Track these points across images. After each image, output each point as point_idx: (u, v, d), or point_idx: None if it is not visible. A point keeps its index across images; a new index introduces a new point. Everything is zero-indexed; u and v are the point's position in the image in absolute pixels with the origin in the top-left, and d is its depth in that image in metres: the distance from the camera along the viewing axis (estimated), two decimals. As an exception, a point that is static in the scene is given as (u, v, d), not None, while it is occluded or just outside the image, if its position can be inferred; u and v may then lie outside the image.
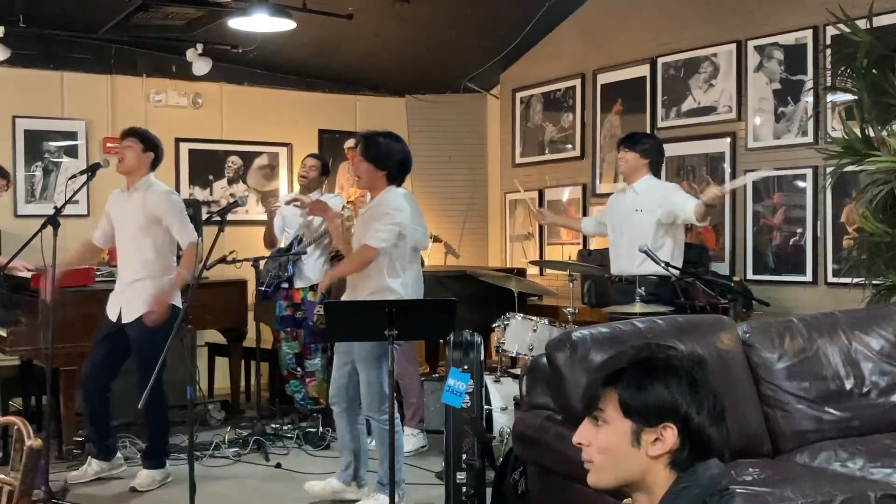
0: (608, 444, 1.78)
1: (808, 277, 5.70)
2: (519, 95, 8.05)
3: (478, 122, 8.55)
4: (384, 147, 4.43)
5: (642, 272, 4.92)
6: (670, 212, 5.00)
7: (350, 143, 7.93)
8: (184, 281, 4.82)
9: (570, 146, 7.53)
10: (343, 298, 4.62)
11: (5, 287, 5.87)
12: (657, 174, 5.24)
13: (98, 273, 5.77)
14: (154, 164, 5.00)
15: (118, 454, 5.13)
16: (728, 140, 6.18)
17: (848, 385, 3.81)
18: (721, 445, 1.76)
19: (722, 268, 6.10)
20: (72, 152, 6.97)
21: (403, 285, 4.46)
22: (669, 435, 1.73)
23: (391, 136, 4.50)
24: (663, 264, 4.63)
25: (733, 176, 6.12)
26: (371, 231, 4.35)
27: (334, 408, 4.62)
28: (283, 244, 6.21)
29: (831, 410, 3.74)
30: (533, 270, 7.38)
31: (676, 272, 4.72)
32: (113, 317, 4.90)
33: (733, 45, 6.16)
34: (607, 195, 7.05)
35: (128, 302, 4.87)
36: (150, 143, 4.97)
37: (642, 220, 5.06)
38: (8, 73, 6.67)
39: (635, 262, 4.96)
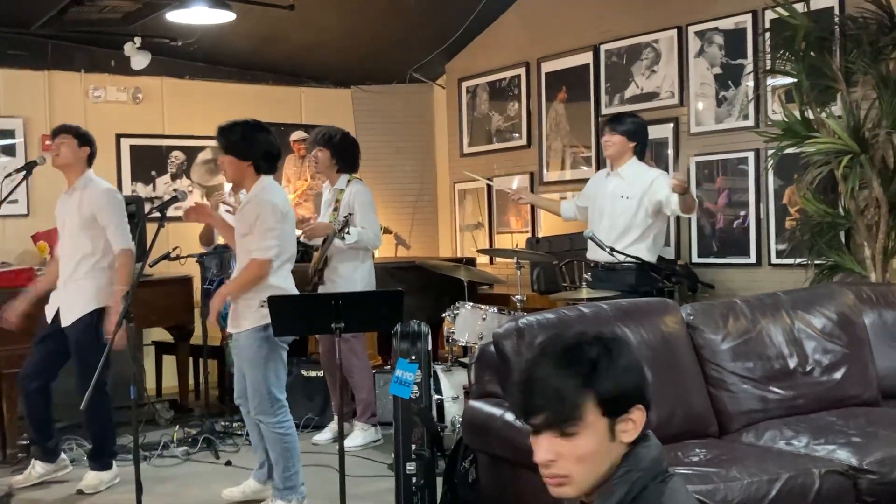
0: (589, 450, 1.67)
1: (753, 259, 5.77)
2: (465, 85, 8.04)
3: (425, 113, 8.52)
4: (239, 135, 4.25)
5: (610, 259, 4.84)
6: (657, 202, 4.90)
7: (297, 135, 7.87)
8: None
9: (517, 135, 7.53)
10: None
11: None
12: (641, 157, 5.13)
13: (38, 273, 5.64)
14: (90, 159, 4.91)
15: (62, 455, 5.03)
16: (671, 125, 6.22)
17: (791, 364, 3.86)
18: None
19: (667, 252, 6.15)
20: (9, 151, 6.81)
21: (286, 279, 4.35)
22: (639, 415, 1.69)
23: (250, 125, 4.32)
24: (608, 249, 4.65)
25: (676, 161, 6.18)
26: (256, 241, 4.20)
27: (241, 409, 4.50)
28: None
29: (776, 389, 3.79)
30: (483, 259, 7.38)
31: (621, 257, 4.73)
32: (49, 317, 4.80)
33: (674, 31, 6.20)
34: (555, 182, 7.12)
35: (65, 302, 4.77)
36: (83, 138, 4.88)
37: (626, 207, 4.95)
38: (-59, 71, 6.51)
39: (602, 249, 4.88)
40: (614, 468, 1.69)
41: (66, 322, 4.74)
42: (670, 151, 6.23)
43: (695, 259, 6.05)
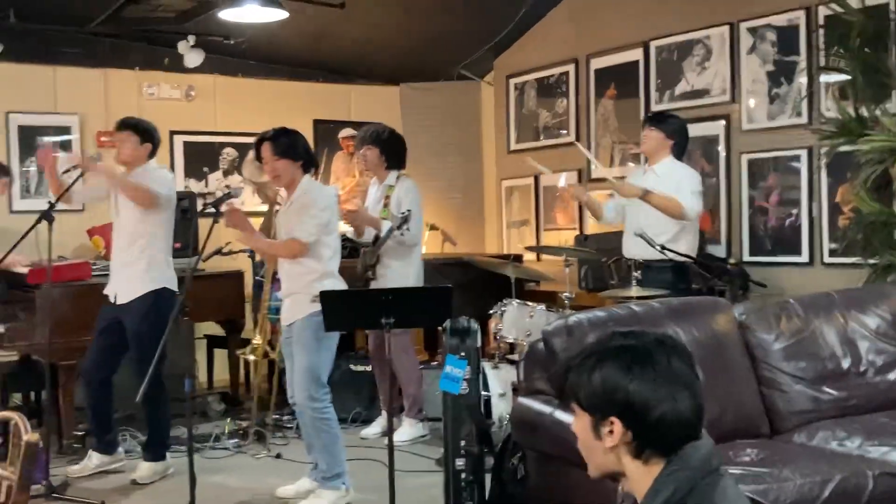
0: (580, 436, 1.81)
1: (805, 258, 5.70)
2: (513, 82, 8.04)
3: (472, 110, 8.53)
4: (288, 139, 4.49)
5: (655, 256, 4.85)
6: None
7: (345, 133, 7.93)
8: (110, 170, 5.01)
9: (564, 131, 7.52)
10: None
11: (2, 283, 5.87)
12: (680, 157, 5.15)
13: (94, 267, 5.76)
14: (152, 154, 5.02)
15: (119, 448, 5.13)
16: (723, 122, 6.17)
17: (845, 364, 3.82)
18: (686, 419, 1.72)
19: (718, 250, 6.11)
20: (66, 147, 6.95)
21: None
22: (616, 427, 1.73)
23: (288, 129, 4.56)
24: (658, 247, 4.63)
25: (728, 159, 6.13)
26: (299, 225, 4.39)
27: (295, 407, 4.56)
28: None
29: (828, 390, 3.76)
30: (530, 256, 7.38)
31: (673, 255, 4.71)
32: (111, 297, 4.93)
33: (726, 28, 6.14)
34: (603, 179, 7.08)
35: (121, 285, 4.88)
36: (146, 134, 4.98)
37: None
38: (0, 69, 6.65)
39: (647, 246, 4.88)
40: (617, 466, 1.76)
41: (122, 300, 4.86)
42: (721, 149, 6.18)
43: (746, 258, 6.00)
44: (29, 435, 2.27)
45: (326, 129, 7.97)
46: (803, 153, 5.72)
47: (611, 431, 1.73)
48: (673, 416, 1.71)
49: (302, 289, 4.39)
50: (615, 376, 1.73)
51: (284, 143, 4.46)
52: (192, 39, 6.99)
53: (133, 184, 4.82)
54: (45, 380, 5.05)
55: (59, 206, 4.87)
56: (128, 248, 4.89)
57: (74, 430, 5.38)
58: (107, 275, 5.15)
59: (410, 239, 5.43)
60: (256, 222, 6.32)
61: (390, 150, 5.66)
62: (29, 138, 6.87)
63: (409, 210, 5.25)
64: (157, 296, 4.84)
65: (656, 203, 4.89)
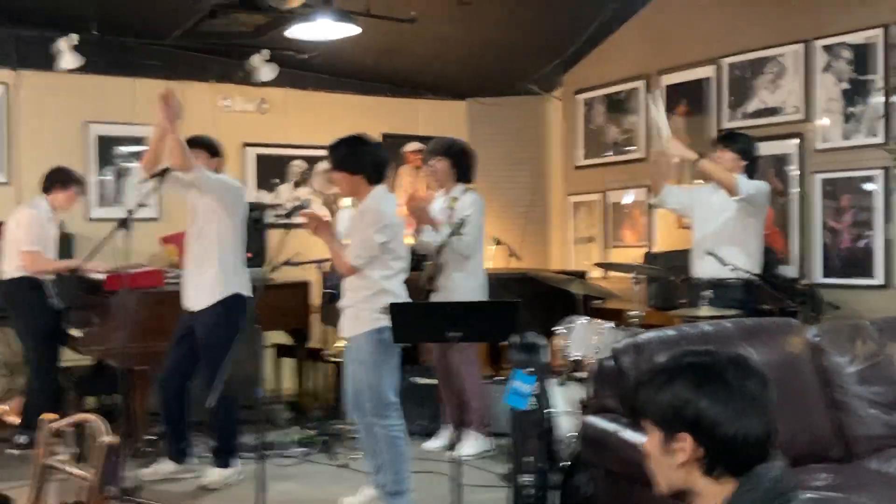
0: (650, 453, 1.82)
1: (880, 281, 5.59)
2: (581, 97, 8.02)
3: (539, 124, 8.53)
4: (345, 151, 4.36)
5: (726, 275, 4.80)
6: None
7: (412, 146, 7.99)
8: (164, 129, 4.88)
9: (633, 147, 7.48)
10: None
11: (80, 289, 6.04)
12: (751, 177, 5.06)
13: (168, 275, 5.89)
14: (221, 167, 5.13)
15: (191, 456, 5.23)
16: (796, 141, 6.08)
17: (922, 390, 3.73)
18: (758, 439, 1.73)
19: (790, 271, 6.01)
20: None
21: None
22: (687, 443, 1.74)
23: (354, 140, 4.41)
24: (730, 267, 4.58)
25: (801, 178, 6.04)
26: (352, 246, 4.32)
27: (353, 415, 4.56)
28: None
29: (904, 416, 3.67)
30: (596, 273, 7.34)
31: (745, 275, 4.65)
32: (186, 305, 5.04)
33: (801, 45, 6.07)
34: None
35: (194, 291, 5.00)
36: (215, 150, 5.13)
37: (728, 221, 4.91)
38: (81, 80, 6.85)
39: (716, 265, 4.82)
40: (686, 484, 1.77)
41: (195, 308, 4.96)
42: (794, 167, 6.09)
43: (819, 279, 5.90)
44: (107, 436, 2.32)
45: (394, 143, 8.04)
46: (878, 174, 5.61)
47: (681, 448, 1.74)
48: (743, 435, 1.72)
49: (357, 303, 4.36)
50: (686, 392, 1.74)
51: (341, 154, 4.37)
52: (265, 53, 7.12)
53: (179, 139, 4.83)
54: (118, 384, 5.16)
55: (136, 214, 4.99)
56: (200, 257, 5.00)
57: (147, 434, 5.49)
58: (179, 282, 5.27)
59: (464, 247, 5.40)
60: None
61: (461, 162, 5.69)
62: (107, 148, 7.06)
63: (466, 215, 5.24)
64: (227, 304, 4.94)
65: (709, 169, 4.80)
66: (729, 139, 5.10)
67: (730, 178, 4.82)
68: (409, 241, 5.56)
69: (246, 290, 5.03)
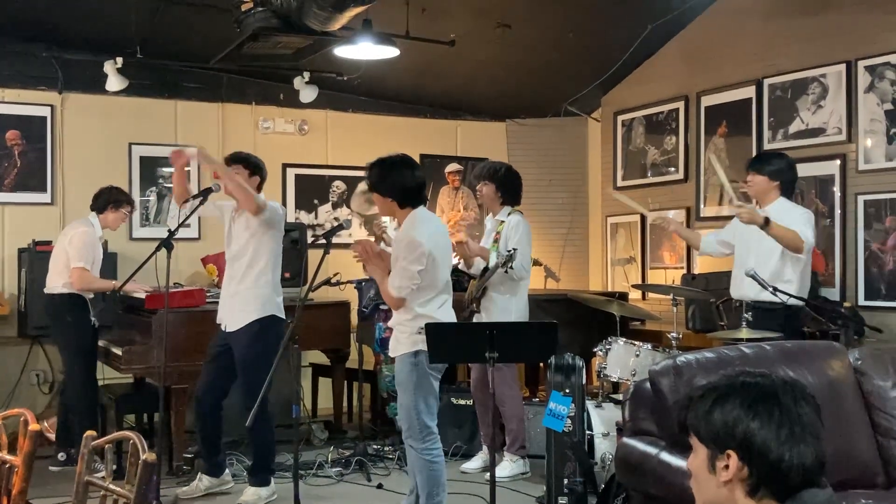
0: (694, 470, 1.82)
1: (924, 304, 5.50)
2: (620, 118, 8.01)
3: (578, 146, 8.53)
4: (377, 175, 4.30)
5: (766, 297, 4.73)
6: None
7: (451, 167, 8.01)
8: (207, 156, 5.12)
9: (672, 169, 7.45)
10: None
11: (121, 307, 6.12)
12: (790, 196, 4.96)
13: (208, 294, 5.94)
14: (259, 187, 5.16)
15: (227, 471, 5.26)
16: (838, 162, 6.02)
17: (968, 415, 3.65)
18: (808, 465, 1.71)
19: (832, 293, 5.93)
20: (185, 178, 7.20)
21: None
22: (732, 461, 1.73)
23: (387, 163, 4.32)
24: (771, 289, 4.52)
25: (843, 200, 5.96)
26: (391, 277, 4.27)
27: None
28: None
29: (950, 442, 3.59)
30: (634, 295, 7.30)
31: (785, 297, 4.59)
32: (222, 324, 5.08)
33: (843, 66, 6.01)
34: (712, 218, 6.97)
35: (230, 312, 5.03)
36: (254, 168, 5.15)
37: (771, 246, 4.79)
38: (125, 102, 6.98)
39: (757, 287, 4.75)
40: (727, 502, 1.75)
41: (231, 328, 4.99)
42: (836, 189, 6.02)
43: (861, 302, 5.81)
44: (147, 454, 2.34)
45: (432, 164, 8.08)
46: (924, 195, 5.53)
47: (726, 466, 1.73)
48: (792, 460, 1.70)
49: (397, 324, 4.36)
50: (737, 411, 1.74)
51: (374, 176, 4.32)
52: (307, 76, 7.20)
53: (241, 181, 4.91)
54: (157, 402, 5.20)
55: (177, 234, 5.04)
56: (237, 277, 5.04)
57: (185, 452, 5.53)
58: (219, 302, 5.31)
59: (515, 275, 5.44)
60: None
61: (506, 186, 5.71)
62: (149, 168, 7.17)
63: (514, 249, 5.24)
64: (263, 324, 4.96)
65: (777, 233, 4.70)
66: (758, 162, 5.00)
67: (795, 239, 4.70)
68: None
69: (282, 312, 5.05)
